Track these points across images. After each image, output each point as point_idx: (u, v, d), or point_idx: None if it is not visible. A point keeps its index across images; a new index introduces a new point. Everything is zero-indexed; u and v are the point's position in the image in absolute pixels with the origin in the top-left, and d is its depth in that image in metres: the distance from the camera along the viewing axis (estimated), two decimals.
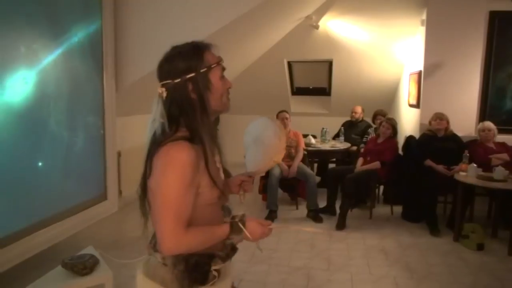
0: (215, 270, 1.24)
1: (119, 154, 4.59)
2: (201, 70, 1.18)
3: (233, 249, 1.35)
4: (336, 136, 5.87)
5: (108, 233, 4.06)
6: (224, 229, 1.22)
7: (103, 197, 4.15)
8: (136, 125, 4.85)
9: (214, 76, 1.21)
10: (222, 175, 1.31)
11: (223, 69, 1.25)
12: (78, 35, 3.62)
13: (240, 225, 1.22)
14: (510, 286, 3.06)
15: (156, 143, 1.18)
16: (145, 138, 1.24)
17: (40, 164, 3.11)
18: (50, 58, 3.25)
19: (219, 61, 1.24)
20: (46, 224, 3.13)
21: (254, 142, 1.47)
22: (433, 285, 3.07)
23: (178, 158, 1.13)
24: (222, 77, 1.24)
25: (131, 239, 3.86)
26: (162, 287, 1.21)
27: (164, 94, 1.19)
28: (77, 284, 2.29)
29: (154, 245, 1.26)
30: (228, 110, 1.29)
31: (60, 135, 3.43)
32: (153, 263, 1.25)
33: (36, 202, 3.08)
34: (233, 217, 1.24)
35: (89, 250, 2.65)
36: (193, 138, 1.17)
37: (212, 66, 1.21)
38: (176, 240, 1.13)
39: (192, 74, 1.17)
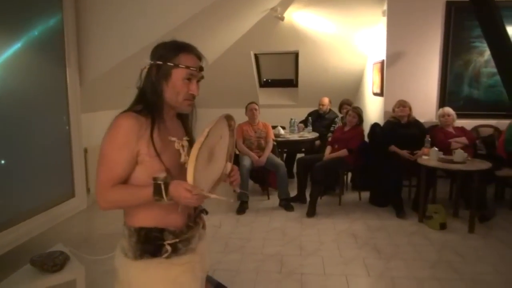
0: (169, 244, 1.32)
1: (85, 151, 4.49)
2: (168, 63, 1.32)
3: (188, 227, 1.41)
4: (303, 123, 5.94)
5: (78, 231, 3.98)
6: (148, 190, 1.24)
7: (70, 194, 4.07)
8: (102, 121, 4.73)
9: (177, 74, 1.33)
10: (182, 158, 1.36)
11: (194, 76, 1.36)
12: (38, 29, 3.52)
13: (162, 187, 1.21)
14: (470, 260, 3.24)
15: None
16: None
17: (3, 162, 3.02)
18: (9, 52, 3.15)
19: (190, 66, 1.33)
20: (12, 223, 3.06)
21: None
22: (399, 263, 3.20)
23: (116, 122, 1.28)
24: (187, 80, 1.35)
25: (102, 236, 3.81)
26: (123, 256, 1.36)
27: (145, 71, 1.36)
28: (48, 281, 2.25)
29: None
30: (186, 111, 1.43)
31: (24, 132, 3.34)
32: (121, 235, 1.39)
33: (1, 201, 2.99)
34: (155, 178, 1.23)
35: (59, 247, 2.60)
36: (141, 111, 1.31)
37: (180, 66, 1.33)
38: (102, 195, 1.27)
39: (159, 62, 1.33)
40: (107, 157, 1.27)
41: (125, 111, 1.32)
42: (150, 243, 1.31)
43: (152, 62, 1.34)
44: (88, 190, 4.57)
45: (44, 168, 3.63)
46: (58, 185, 3.94)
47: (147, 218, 1.32)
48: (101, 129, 1.36)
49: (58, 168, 3.93)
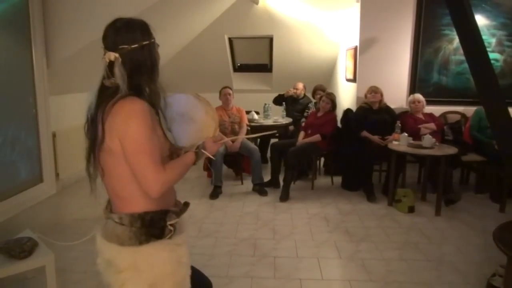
0: (171, 225, 1.36)
1: (54, 135, 4.36)
2: (152, 40, 1.35)
3: (186, 205, 1.48)
4: (278, 100, 5.93)
5: (47, 217, 3.87)
6: (191, 157, 1.40)
7: (39, 179, 3.96)
8: (71, 104, 4.61)
9: (157, 48, 1.38)
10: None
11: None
12: (0, 6, 3.35)
13: (203, 151, 1.45)
14: (436, 242, 3.37)
15: (103, 106, 1.28)
16: (86, 111, 1.33)
17: None
18: None
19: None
20: None
21: (181, 117, 1.53)
22: (369, 245, 3.30)
23: (135, 108, 1.25)
24: None
25: (72, 222, 3.72)
26: (119, 246, 1.31)
27: (120, 59, 1.28)
28: (16, 268, 2.19)
29: (110, 208, 1.39)
30: None
31: None
32: (110, 225, 1.34)
33: None
34: (197, 147, 1.44)
35: (27, 233, 2.53)
36: (139, 95, 1.29)
37: (155, 39, 1.37)
38: (160, 179, 1.25)
39: (147, 42, 1.33)
40: (147, 143, 1.24)
41: (124, 97, 1.26)
42: (155, 226, 1.32)
43: (137, 45, 1.30)
44: (57, 175, 4.45)
45: (10, 152, 3.51)
46: (26, 170, 3.82)
47: (150, 202, 1.32)
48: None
49: (25, 152, 3.80)
